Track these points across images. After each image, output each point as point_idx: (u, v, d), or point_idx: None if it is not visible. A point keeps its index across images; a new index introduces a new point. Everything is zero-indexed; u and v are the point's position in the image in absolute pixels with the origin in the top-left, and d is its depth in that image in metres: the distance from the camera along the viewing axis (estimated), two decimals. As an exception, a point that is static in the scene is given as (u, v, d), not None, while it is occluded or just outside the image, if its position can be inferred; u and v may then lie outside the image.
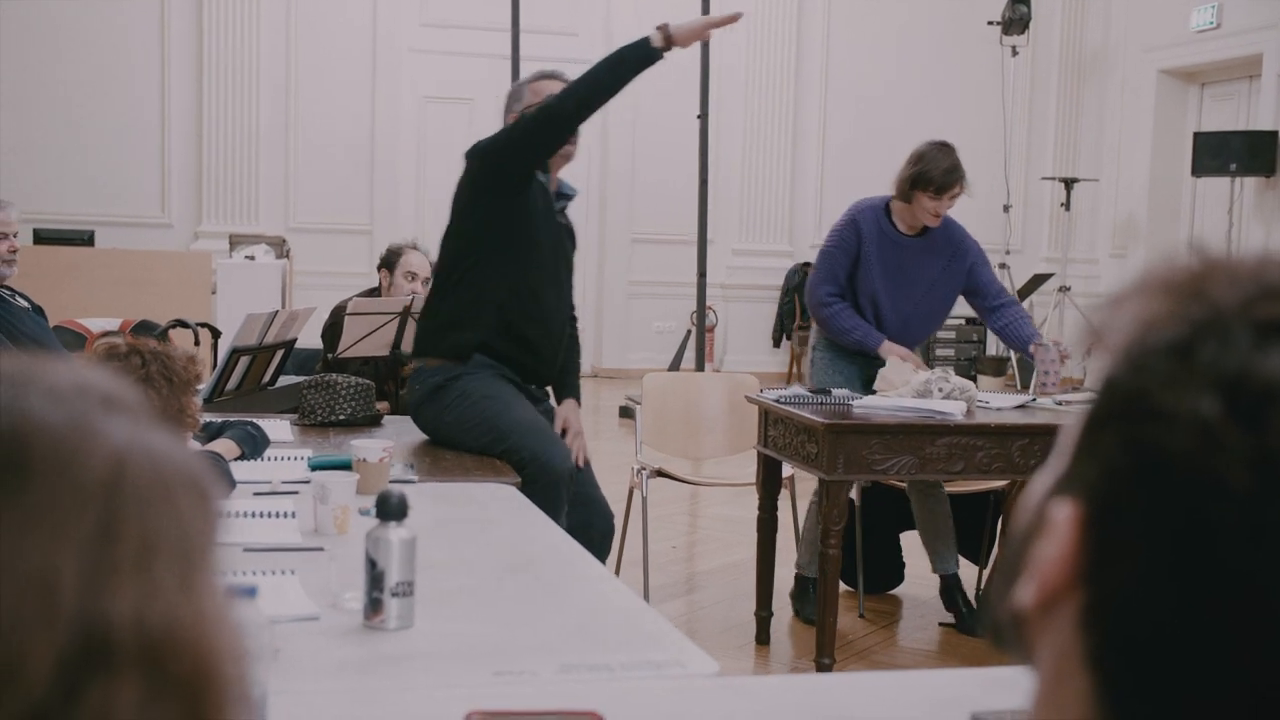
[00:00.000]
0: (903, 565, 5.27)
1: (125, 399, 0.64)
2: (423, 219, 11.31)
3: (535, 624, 2.19)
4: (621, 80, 3.79)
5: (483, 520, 2.96)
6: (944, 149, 4.80)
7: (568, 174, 4.25)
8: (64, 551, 0.59)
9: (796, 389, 4.51)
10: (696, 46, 9.30)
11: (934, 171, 4.70)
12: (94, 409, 0.62)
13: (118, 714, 0.59)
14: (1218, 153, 10.01)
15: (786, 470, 4.69)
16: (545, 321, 4.05)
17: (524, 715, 1.63)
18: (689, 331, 11.44)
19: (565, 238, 4.17)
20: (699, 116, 9.03)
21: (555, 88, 3.91)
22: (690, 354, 11.23)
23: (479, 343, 3.93)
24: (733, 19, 3.81)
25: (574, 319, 4.40)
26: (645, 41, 3.74)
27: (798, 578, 4.93)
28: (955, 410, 4.14)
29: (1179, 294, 0.63)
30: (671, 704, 1.78)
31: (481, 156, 3.98)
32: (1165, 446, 0.58)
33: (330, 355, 5.29)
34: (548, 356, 4.12)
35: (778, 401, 4.34)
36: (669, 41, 3.71)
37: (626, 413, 9.21)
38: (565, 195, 4.18)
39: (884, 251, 4.83)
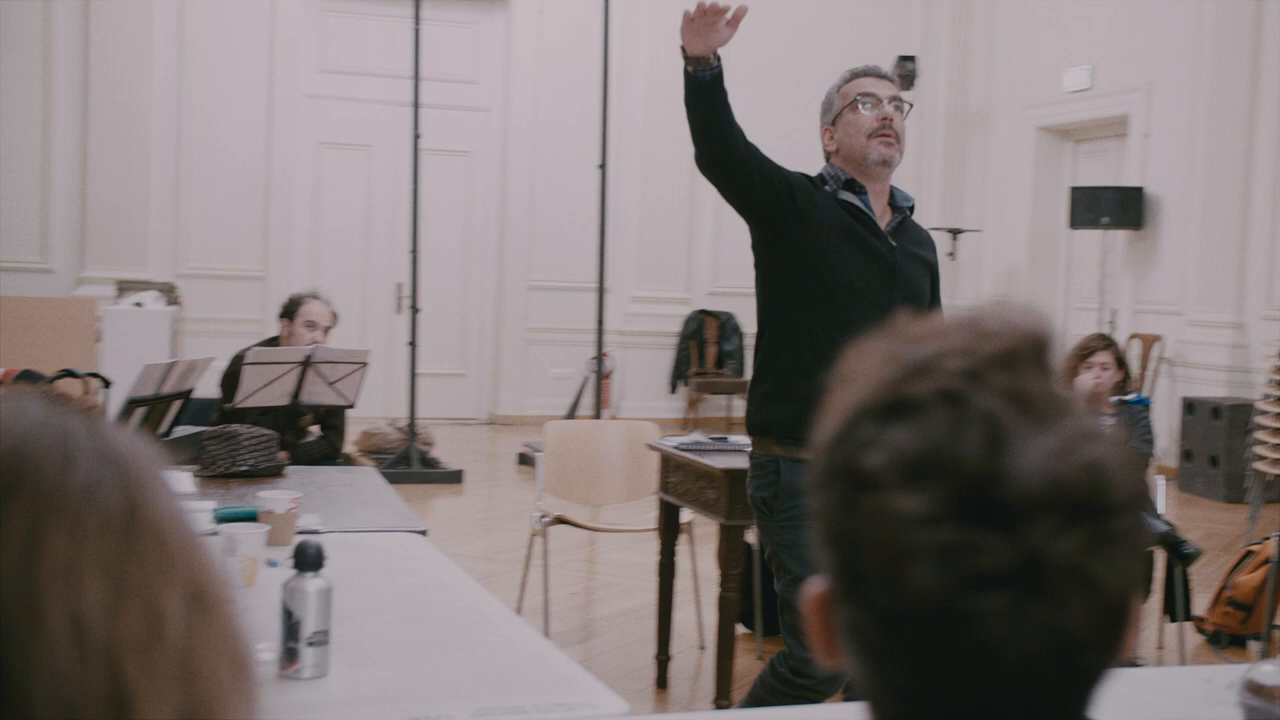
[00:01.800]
0: (796, 608, 5.41)
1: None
2: (318, 266, 11.33)
3: (448, 670, 2.28)
4: (705, 109, 3.40)
5: (392, 569, 3.03)
6: None
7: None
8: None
9: (696, 436, 4.64)
10: (595, 97, 9.49)
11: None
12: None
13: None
14: (1091, 206, 10.38)
15: (685, 516, 4.81)
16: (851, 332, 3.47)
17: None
18: (586, 378, 11.57)
19: (903, 255, 3.49)
20: (599, 166, 9.18)
21: (865, 84, 3.50)
22: (588, 400, 11.37)
23: (791, 418, 3.31)
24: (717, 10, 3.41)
25: None
26: (686, 75, 3.40)
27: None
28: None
29: (845, 382, 0.82)
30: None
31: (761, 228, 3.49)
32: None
33: (227, 405, 5.30)
34: None
35: (677, 449, 4.47)
36: (699, 60, 3.37)
37: (525, 460, 9.29)
38: (899, 207, 3.54)
39: None
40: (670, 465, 4.61)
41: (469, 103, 11.76)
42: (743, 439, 4.60)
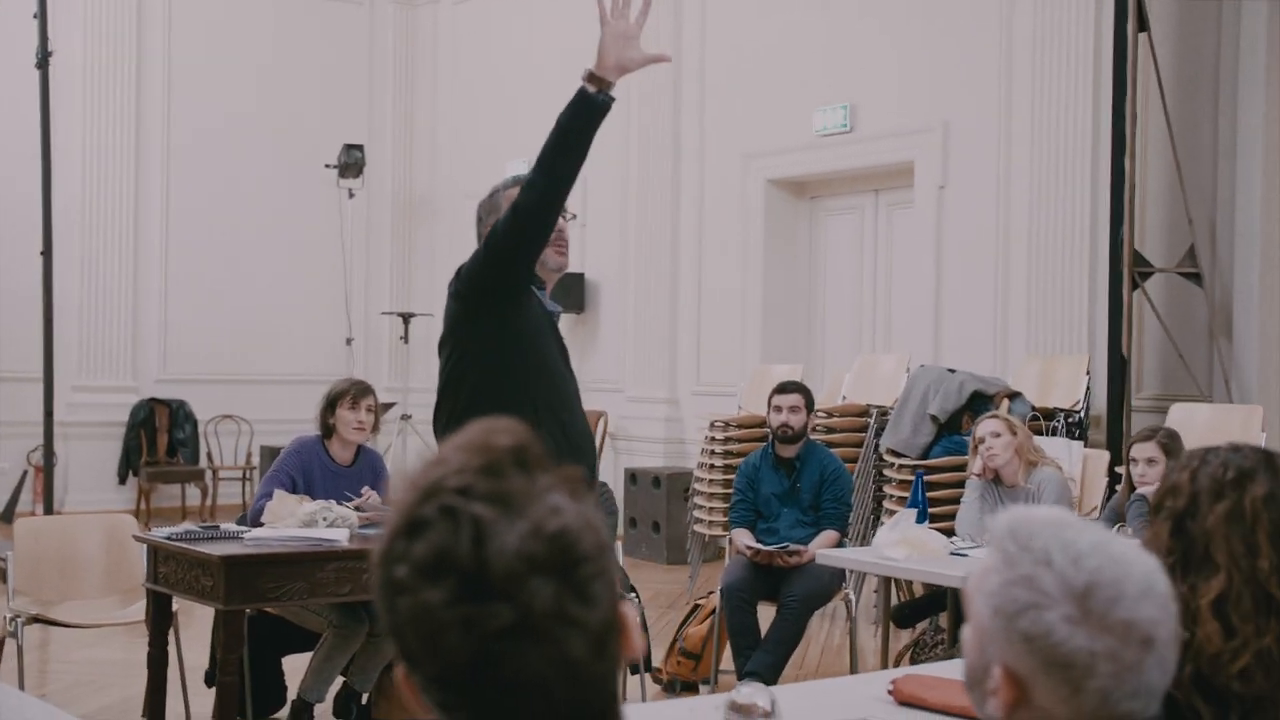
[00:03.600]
0: (284, 688, 5.45)
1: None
2: None
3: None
4: (588, 140, 3.48)
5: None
6: None
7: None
8: None
9: (188, 525, 4.63)
10: (35, 175, 9.08)
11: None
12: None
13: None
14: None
15: (175, 605, 4.77)
16: (574, 433, 3.61)
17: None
18: (25, 472, 10.93)
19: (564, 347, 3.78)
20: (42, 253, 8.78)
21: None
22: (27, 496, 10.73)
23: None
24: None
25: None
26: (588, 100, 3.42)
27: (295, 704, 5.06)
28: (340, 536, 4.44)
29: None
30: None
31: (469, 280, 3.56)
32: None
33: None
34: (590, 461, 3.68)
35: (169, 539, 4.45)
36: (599, 82, 3.38)
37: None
38: (550, 312, 3.76)
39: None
40: (160, 556, 4.57)
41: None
42: (232, 526, 4.64)
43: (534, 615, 1.02)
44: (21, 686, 4.72)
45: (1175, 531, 1.90)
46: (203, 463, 11.75)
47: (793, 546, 5.71)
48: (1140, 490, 5.16)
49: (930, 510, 5.68)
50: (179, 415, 11.75)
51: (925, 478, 5.79)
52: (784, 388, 6.11)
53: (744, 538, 5.92)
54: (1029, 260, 8.15)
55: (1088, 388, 7.56)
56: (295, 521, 4.53)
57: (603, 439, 10.85)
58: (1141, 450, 5.33)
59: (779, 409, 6.01)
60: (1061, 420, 7.37)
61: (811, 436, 6.26)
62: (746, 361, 9.84)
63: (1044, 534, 1.38)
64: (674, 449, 10.44)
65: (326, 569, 4.36)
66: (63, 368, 11.18)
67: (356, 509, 4.76)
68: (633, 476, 10.11)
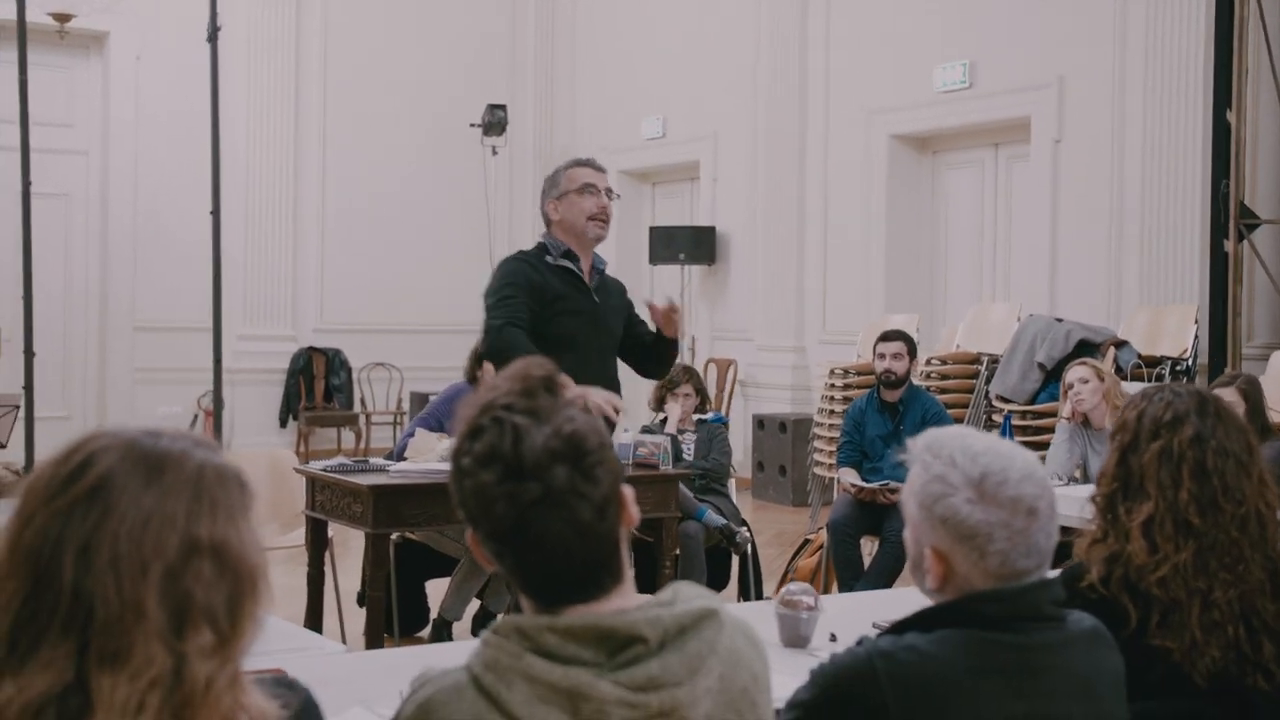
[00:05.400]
0: (427, 610, 6.05)
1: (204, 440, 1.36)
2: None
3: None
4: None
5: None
6: None
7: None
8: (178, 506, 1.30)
9: (341, 459, 5.22)
10: (201, 141, 9.81)
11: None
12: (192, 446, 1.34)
13: (201, 580, 1.29)
14: (669, 244, 11.51)
15: (331, 532, 5.37)
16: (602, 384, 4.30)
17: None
18: (195, 416, 11.78)
19: (603, 308, 4.54)
20: (211, 212, 9.50)
21: (586, 174, 4.44)
22: (198, 438, 11.55)
23: None
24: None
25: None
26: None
27: (436, 621, 5.71)
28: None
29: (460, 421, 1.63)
30: (327, 666, 2.51)
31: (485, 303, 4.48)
32: None
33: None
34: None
35: (324, 470, 5.04)
36: None
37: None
38: (598, 269, 4.57)
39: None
40: (317, 485, 5.17)
41: (65, 145, 11.79)
42: (379, 460, 5.23)
43: (555, 490, 1.51)
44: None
45: (1120, 462, 2.34)
46: (356, 408, 12.51)
47: (894, 484, 6.13)
48: None
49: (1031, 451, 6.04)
50: (335, 363, 12.51)
51: (1034, 422, 6.14)
52: (887, 335, 6.51)
53: (849, 476, 6.37)
54: (1142, 212, 8.37)
55: (1195, 336, 7.79)
56: (435, 456, 5.09)
57: (732, 386, 11.32)
58: (1223, 395, 5.62)
59: (882, 355, 6.42)
60: (1168, 368, 7.64)
61: (915, 381, 6.66)
62: (871, 311, 10.20)
63: (950, 443, 1.84)
64: (801, 395, 10.85)
65: (461, 498, 4.91)
66: (228, 318, 11.99)
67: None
68: (760, 422, 10.57)
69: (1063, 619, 1.87)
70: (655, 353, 4.68)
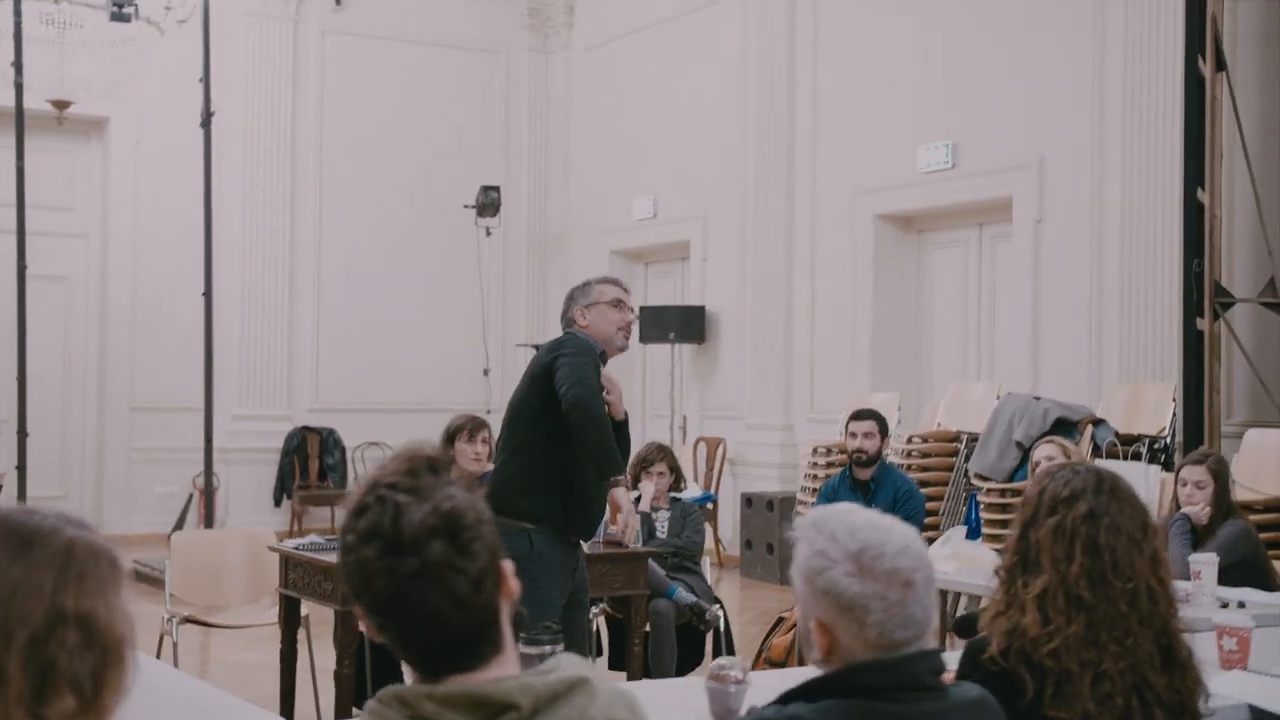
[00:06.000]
0: (402, 680, 6.08)
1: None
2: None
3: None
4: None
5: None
6: None
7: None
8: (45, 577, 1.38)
9: (313, 538, 5.30)
10: (199, 224, 9.99)
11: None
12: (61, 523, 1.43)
13: (66, 648, 1.36)
14: (659, 323, 11.63)
15: (304, 609, 5.44)
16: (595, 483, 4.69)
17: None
18: (191, 494, 11.86)
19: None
20: (204, 294, 9.65)
21: (618, 291, 4.80)
22: (193, 516, 11.65)
23: (546, 512, 4.60)
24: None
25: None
26: (613, 470, 4.59)
27: None
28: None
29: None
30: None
31: (548, 379, 4.64)
32: None
33: None
34: (599, 510, 4.80)
35: (296, 549, 5.13)
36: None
37: (140, 576, 9.54)
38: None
39: None
40: (290, 564, 5.25)
41: (66, 229, 11.98)
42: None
43: (431, 564, 1.59)
44: (175, 678, 5.44)
45: (1020, 537, 2.42)
46: (350, 486, 12.58)
47: (865, 562, 6.19)
48: (1184, 510, 5.51)
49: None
50: (329, 442, 12.61)
51: (1011, 500, 6.21)
52: (859, 414, 6.60)
53: (822, 553, 6.42)
54: (1121, 290, 8.48)
55: (1174, 414, 7.87)
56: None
57: (721, 464, 11.39)
58: (1191, 473, 5.66)
59: (854, 434, 6.50)
60: (1145, 445, 7.71)
61: (890, 460, 6.73)
62: (855, 389, 10.29)
63: (832, 519, 1.92)
64: (789, 474, 10.90)
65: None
66: (224, 398, 12.12)
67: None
68: (748, 500, 10.62)
69: (943, 689, 1.94)
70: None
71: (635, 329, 4.98)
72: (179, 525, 11.46)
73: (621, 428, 4.75)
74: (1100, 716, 2.28)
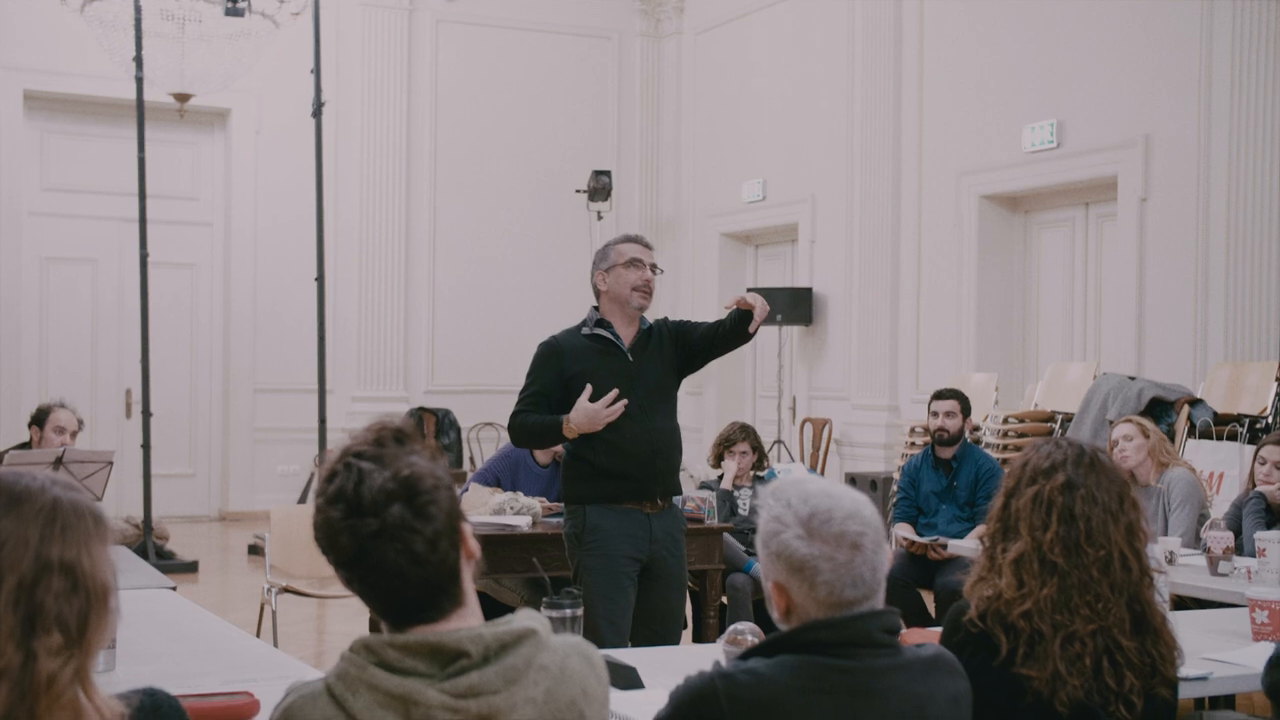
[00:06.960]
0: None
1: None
2: (46, 375, 11.76)
3: (211, 658, 3.12)
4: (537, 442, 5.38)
5: (154, 612, 3.83)
6: None
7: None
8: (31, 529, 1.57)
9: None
10: (312, 211, 10.35)
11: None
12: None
13: (53, 592, 1.55)
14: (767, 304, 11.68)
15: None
16: (625, 445, 4.63)
17: (189, 696, 2.59)
18: (312, 473, 12.25)
19: (639, 364, 4.73)
20: (316, 279, 10.00)
21: (634, 249, 4.73)
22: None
23: (588, 493, 4.64)
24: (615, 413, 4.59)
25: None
26: (559, 427, 4.61)
27: None
28: (521, 523, 5.28)
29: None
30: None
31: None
32: None
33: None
34: (646, 468, 4.67)
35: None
36: (569, 431, 4.59)
37: (255, 550, 9.94)
38: (642, 330, 4.81)
39: None
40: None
41: (191, 217, 12.44)
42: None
43: (389, 525, 1.76)
44: (275, 645, 5.71)
45: (1003, 506, 2.52)
46: (465, 466, 12.89)
47: (944, 540, 6.26)
48: (1260, 489, 5.49)
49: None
50: (444, 423, 12.93)
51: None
52: (941, 394, 6.65)
53: (904, 530, 6.52)
54: (1227, 269, 8.38)
55: (1276, 394, 7.76)
56: (486, 510, 5.38)
57: (827, 444, 11.45)
58: (1271, 453, 5.63)
59: (936, 414, 6.57)
60: (1245, 425, 7.62)
61: (971, 439, 6.78)
62: (961, 369, 10.29)
63: (787, 488, 2.05)
64: (894, 454, 10.93)
65: (509, 549, 5.20)
66: (344, 380, 12.53)
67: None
68: (852, 479, 10.68)
69: (896, 647, 2.06)
70: (736, 332, 4.80)
71: (654, 283, 4.74)
72: (301, 502, 11.86)
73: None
74: (1070, 676, 2.38)
